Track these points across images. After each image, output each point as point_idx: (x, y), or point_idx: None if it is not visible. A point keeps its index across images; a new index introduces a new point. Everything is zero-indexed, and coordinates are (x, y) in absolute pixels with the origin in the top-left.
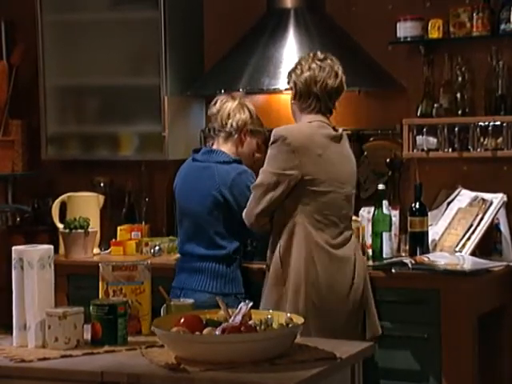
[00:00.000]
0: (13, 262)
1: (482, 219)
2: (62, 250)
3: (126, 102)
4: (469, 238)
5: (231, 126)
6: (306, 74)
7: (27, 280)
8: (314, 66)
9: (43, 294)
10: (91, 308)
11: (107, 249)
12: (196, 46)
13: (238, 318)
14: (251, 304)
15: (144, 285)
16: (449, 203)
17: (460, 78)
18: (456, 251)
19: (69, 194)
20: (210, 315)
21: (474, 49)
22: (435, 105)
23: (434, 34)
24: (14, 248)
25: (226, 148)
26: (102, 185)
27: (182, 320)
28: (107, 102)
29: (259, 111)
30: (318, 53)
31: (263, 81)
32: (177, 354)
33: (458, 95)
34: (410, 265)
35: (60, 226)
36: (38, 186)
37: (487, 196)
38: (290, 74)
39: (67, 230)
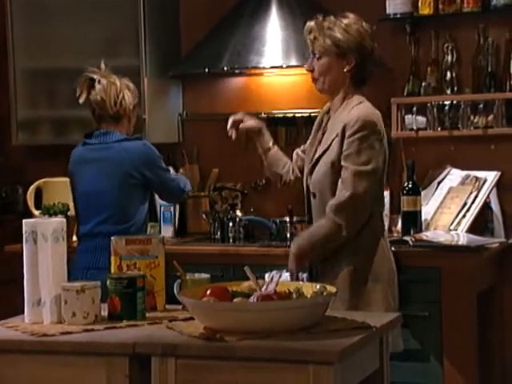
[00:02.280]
0: (24, 235)
1: (476, 197)
2: None
3: None
4: (464, 216)
5: (120, 110)
6: (367, 41)
7: (41, 253)
8: (362, 29)
9: (57, 268)
10: (108, 282)
11: None
12: (173, 26)
13: (271, 287)
14: (284, 272)
15: (158, 259)
16: (439, 183)
17: (448, 56)
18: (451, 229)
19: (45, 179)
20: (233, 287)
21: (462, 26)
22: (423, 83)
23: (425, 10)
24: (25, 221)
25: (119, 129)
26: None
27: (209, 291)
28: None
29: (239, 95)
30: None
31: (251, 59)
32: (208, 324)
33: (448, 74)
34: (410, 242)
35: (36, 212)
36: (5, 173)
37: (480, 174)
38: (330, 34)
39: (46, 216)
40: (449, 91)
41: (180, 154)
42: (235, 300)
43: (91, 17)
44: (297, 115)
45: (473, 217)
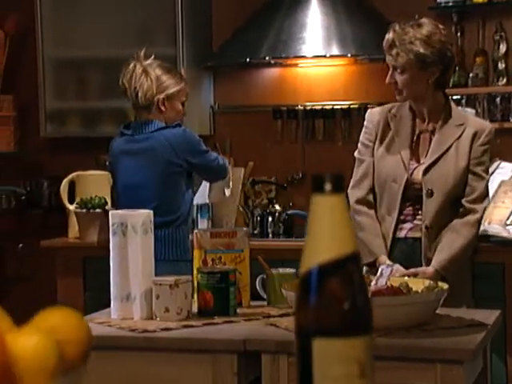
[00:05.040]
0: (111, 228)
1: None
2: (72, 232)
3: None
4: None
5: (141, 100)
6: (449, 48)
7: (131, 246)
8: (443, 38)
9: (147, 262)
10: (199, 276)
11: None
12: (206, 17)
13: (383, 282)
14: (396, 266)
15: (244, 253)
16: None
17: (499, 46)
18: (508, 224)
19: (78, 172)
20: None
21: (511, 15)
22: (470, 74)
23: None
24: (112, 212)
25: (154, 119)
26: (107, 163)
27: None
28: (112, 75)
29: (273, 86)
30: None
31: (292, 48)
32: None
33: (499, 64)
34: None
35: (70, 206)
36: (29, 167)
37: None
38: (412, 49)
39: (84, 210)
40: (499, 82)
41: (213, 147)
42: None
43: (123, 5)
44: (335, 107)
45: None
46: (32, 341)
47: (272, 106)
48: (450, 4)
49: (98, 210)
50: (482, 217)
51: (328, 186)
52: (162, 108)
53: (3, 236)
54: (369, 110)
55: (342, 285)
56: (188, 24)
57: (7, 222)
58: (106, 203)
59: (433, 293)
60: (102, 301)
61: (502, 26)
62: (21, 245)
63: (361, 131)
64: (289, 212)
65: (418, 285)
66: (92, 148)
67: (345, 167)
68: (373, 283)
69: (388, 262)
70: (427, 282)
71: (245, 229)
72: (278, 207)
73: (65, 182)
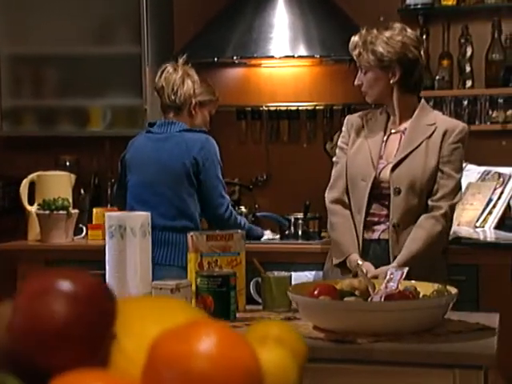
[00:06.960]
0: (108, 230)
1: (502, 193)
2: (32, 234)
3: (94, 73)
4: (490, 213)
5: (178, 100)
6: (411, 50)
7: (129, 249)
8: (406, 39)
9: (144, 265)
10: (199, 280)
11: (80, 233)
12: (170, 14)
13: (392, 286)
14: (407, 269)
15: (240, 256)
16: None
17: (464, 49)
18: (477, 226)
19: (38, 173)
20: (336, 285)
21: (477, 19)
22: (437, 77)
23: (449, 0)
24: (109, 214)
25: (181, 121)
26: (67, 164)
27: (317, 290)
28: (71, 73)
29: (237, 87)
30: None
31: (258, 48)
32: (323, 325)
33: (466, 67)
34: None
35: (30, 208)
36: None
37: (503, 170)
38: (372, 49)
39: (47, 212)
40: (466, 86)
41: None
42: (347, 299)
43: (83, 0)
44: (300, 108)
45: (500, 213)
46: (275, 355)
47: (236, 107)
48: (419, 6)
49: (61, 212)
50: (448, 213)
51: None
52: (193, 112)
53: None
54: (347, 116)
55: None
56: (153, 22)
57: None
58: (70, 204)
59: (444, 297)
60: None
61: (467, 29)
62: None
63: (326, 132)
64: (257, 214)
65: (426, 288)
66: (49, 147)
67: (309, 168)
68: (382, 287)
69: (359, 260)
70: (436, 286)
71: (240, 231)
72: (243, 209)
73: (25, 183)
